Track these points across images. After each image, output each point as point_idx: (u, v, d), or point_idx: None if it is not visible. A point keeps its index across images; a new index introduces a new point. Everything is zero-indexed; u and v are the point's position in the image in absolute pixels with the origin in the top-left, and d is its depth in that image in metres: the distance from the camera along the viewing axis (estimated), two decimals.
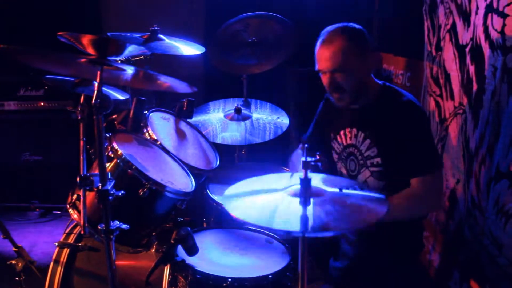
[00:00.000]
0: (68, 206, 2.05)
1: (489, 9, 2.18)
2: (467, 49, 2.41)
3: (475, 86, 2.34)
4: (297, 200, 1.50)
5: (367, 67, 2.14)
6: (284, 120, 3.17)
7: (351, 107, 2.20)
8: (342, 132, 2.29)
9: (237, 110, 3.17)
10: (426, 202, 2.10)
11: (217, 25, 3.23)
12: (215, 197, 2.61)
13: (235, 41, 3.21)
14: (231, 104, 3.27)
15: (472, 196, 2.36)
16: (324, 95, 2.33)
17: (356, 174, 2.25)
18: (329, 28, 2.15)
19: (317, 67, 2.16)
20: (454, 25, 2.57)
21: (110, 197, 1.67)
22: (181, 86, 1.93)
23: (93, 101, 1.58)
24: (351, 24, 2.15)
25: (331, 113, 2.34)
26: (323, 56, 2.12)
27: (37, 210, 4.33)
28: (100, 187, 1.66)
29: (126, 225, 1.75)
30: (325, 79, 2.15)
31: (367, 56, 2.13)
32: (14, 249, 2.44)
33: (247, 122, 3.17)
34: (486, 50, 2.22)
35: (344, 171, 2.32)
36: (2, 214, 4.24)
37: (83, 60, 1.54)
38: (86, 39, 1.52)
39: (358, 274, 2.12)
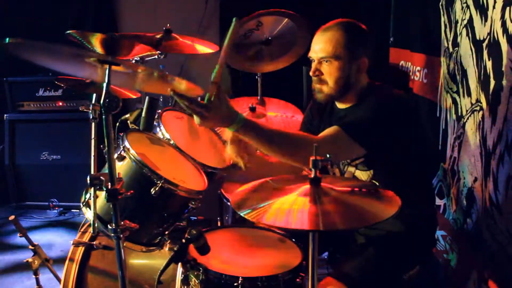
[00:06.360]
0: (82, 205, 2.06)
1: (507, 2, 2.13)
2: (484, 45, 2.36)
3: (492, 83, 2.28)
4: (307, 199, 1.49)
5: (356, 66, 2.07)
6: (298, 118, 3.15)
7: (337, 108, 2.17)
8: None
9: (252, 109, 3.16)
10: (309, 148, 1.53)
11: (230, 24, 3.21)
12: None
13: (249, 40, 3.20)
14: (246, 103, 3.26)
15: (490, 195, 2.30)
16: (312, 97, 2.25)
17: (344, 172, 2.21)
18: (334, 20, 2.12)
19: (309, 53, 2.13)
20: (471, 19, 2.51)
21: (120, 196, 1.67)
22: (193, 87, 1.91)
23: (102, 100, 1.59)
24: (356, 22, 2.11)
25: (318, 115, 2.31)
26: (316, 43, 2.09)
27: (56, 208, 4.40)
28: (109, 186, 1.66)
29: (136, 224, 1.76)
30: (312, 67, 2.11)
31: (359, 56, 2.06)
32: (30, 247, 2.47)
33: (262, 120, 3.15)
34: (504, 45, 2.16)
35: (337, 171, 2.27)
36: (21, 212, 4.32)
37: (91, 58, 1.54)
38: (94, 38, 1.52)
39: (369, 271, 2.08)
